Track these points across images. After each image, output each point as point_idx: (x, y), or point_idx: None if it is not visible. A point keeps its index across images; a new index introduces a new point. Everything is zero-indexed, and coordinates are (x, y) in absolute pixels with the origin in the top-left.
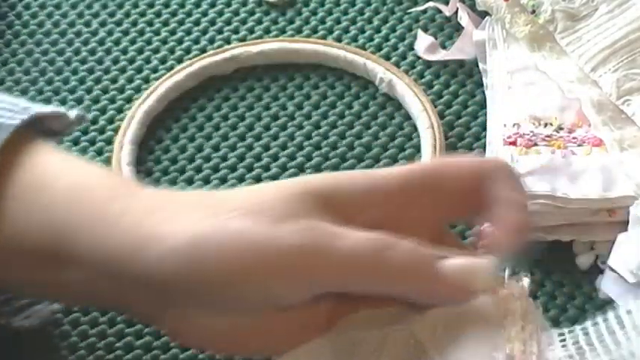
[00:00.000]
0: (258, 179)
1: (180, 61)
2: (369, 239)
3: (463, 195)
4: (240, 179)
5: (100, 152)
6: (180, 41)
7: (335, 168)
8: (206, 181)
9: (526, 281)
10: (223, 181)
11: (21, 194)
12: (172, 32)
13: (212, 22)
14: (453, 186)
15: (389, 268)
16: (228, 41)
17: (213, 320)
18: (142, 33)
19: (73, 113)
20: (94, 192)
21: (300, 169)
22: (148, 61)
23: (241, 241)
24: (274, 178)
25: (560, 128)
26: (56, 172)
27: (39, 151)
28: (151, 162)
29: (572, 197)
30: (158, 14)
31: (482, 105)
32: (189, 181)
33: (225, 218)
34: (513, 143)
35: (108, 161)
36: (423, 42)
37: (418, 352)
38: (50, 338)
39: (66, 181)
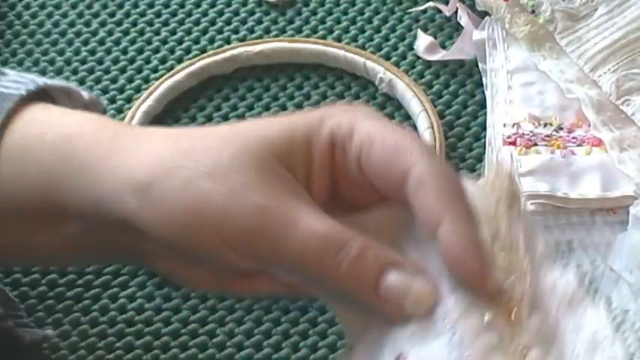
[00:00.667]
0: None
1: (180, 61)
2: (321, 236)
3: (380, 175)
4: None
5: None
6: (180, 41)
7: None
8: None
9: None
10: None
11: (12, 154)
12: (172, 32)
13: (212, 22)
14: (369, 159)
15: (333, 273)
16: (228, 41)
17: (191, 267)
18: (142, 33)
19: (86, 94)
20: (79, 141)
21: None
22: (147, 61)
23: (198, 203)
24: None
25: (559, 128)
26: (45, 127)
27: (34, 111)
28: None
29: (572, 197)
30: (158, 14)
31: (482, 105)
32: None
33: (190, 173)
34: (513, 143)
35: None
36: (422, 42)
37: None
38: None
39: (53, 134)
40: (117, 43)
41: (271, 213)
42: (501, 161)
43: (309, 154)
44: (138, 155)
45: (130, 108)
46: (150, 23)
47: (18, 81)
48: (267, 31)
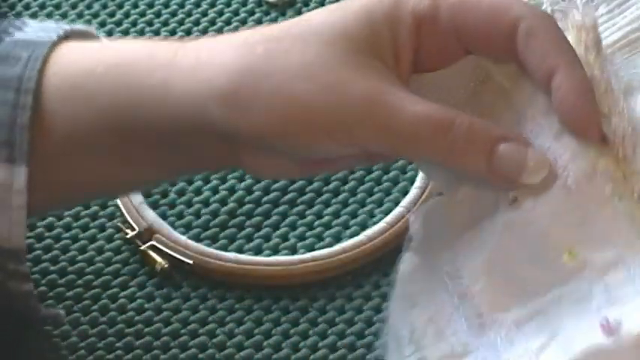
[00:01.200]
0: (257, 179)
1: None
2: (429, 119)
3: (484, 36)
4: (240, 179)
5: None
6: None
7: None
8: (206, 180)
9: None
10: (223, 180)
11: (62, 94)
12: (172, 32)
13: (212, 22)
14: (470, 23)
15: (445, 153)
16: None
17: (278, 161)
18: (142, 33)
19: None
20: (137, 67)
21: None
22: None
23: (296, 105)
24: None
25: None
26: (90, 62)
27: (68, 52)
28: None
29: None
30: (158, 14)
31: None
32: (189, 181)
33: (278, 78)
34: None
35: None
36: None
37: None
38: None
39: (103, 66)
40: None
41: (375, 102)
42: (583, 14)
43: (394, 37)
44: (211, 67)
45: None
46: (150, 23)
47: (44, 29)
48: None
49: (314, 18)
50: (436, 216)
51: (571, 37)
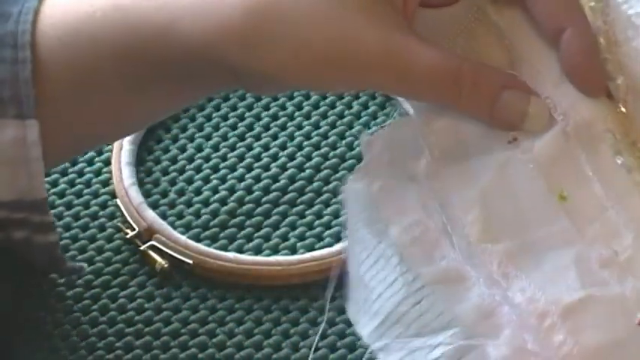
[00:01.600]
0: (257, 179)
1: None
2: (440, 62)
3: None
4: (240, 179)
5: (99, 152)
6: None
7: (334, 168)
8: (206, 180)
9: None
10: (223, 180)
11: (67, 40)
12: None
13: None
14: None
15: (454, 99)
16: None
17: (279, 86)
18: None
19: None
20: (139, 8)
21: (300, 169)
22: None
23: (317, 48)
24: (274, 177)
25: None
26: (85, 6)
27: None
28: (150, 162)
29: None
30: None
31: None
32: (189, 181)
33: (295, 20)
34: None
35: (108, 161)
36: None
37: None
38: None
39: (102, 11)
40: None
41: (391, 51)
42: None
43: None
44: (221, 6)
45: None
46: None
47: None
48: None
49: None
50: (404, 138)
51: None
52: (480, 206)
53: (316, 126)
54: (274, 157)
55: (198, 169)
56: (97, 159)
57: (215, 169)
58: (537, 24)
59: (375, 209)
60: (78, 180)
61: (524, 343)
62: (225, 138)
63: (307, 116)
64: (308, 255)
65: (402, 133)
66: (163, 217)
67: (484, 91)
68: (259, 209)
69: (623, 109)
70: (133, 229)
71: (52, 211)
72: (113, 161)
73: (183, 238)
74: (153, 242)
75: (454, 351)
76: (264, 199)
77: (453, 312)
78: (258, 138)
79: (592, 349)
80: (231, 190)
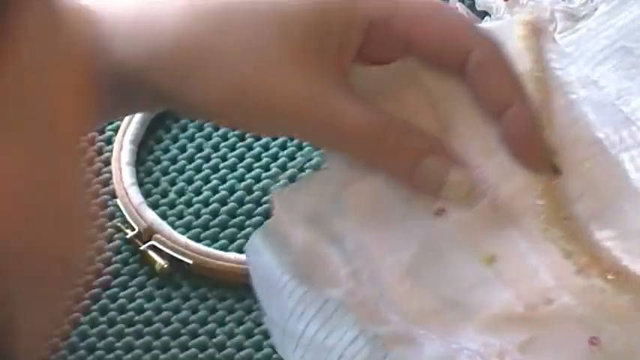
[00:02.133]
0: (257, 179)
1: None
2: (364, 125)
3: (434, 55)
4: (240, 179)
5: (99, 152)
6: None
7: None
8: (206, 180)
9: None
10: (223, 181)
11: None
12: None
13: None
14: (421, 41)
15: (374, 158)
16: None
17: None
18: None
19: None
20: (76, 19)
21: (300, 169)
22: None
23: (248, 88)
24: (274, 177)
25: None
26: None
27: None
28: (150, 162)
29: None
30: None
31: None
32: (189, 181)
33: (232, 56)
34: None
35: (108, 161)
36: None
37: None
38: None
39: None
40: None
41: (319, 104)
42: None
43: (344, 35)
44: (156, 28)
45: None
46: None
47: None
48: None
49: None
50: (322, 195)
51: (518, 33)
52: (411, 278)
53: None
54: (274, 157)
55: (198, 169)
56: (97, 159)
57: (215, 169)
58: (477, 97)
59: (303, 271)
60: None
61: None
62: (225, 138)
63: None
64: None
65: (320, 189)
66: (163, 217)
67: (405, 155)
68: (259, 209)
69: (553, 182)
70: (133, 229)
71: None
72: (113, 161)
73: (183, 238)
74: (153, 242)
75: None
76: (263, 199)
77: None
78: (258, 138)
79: None
80: (231, 190)
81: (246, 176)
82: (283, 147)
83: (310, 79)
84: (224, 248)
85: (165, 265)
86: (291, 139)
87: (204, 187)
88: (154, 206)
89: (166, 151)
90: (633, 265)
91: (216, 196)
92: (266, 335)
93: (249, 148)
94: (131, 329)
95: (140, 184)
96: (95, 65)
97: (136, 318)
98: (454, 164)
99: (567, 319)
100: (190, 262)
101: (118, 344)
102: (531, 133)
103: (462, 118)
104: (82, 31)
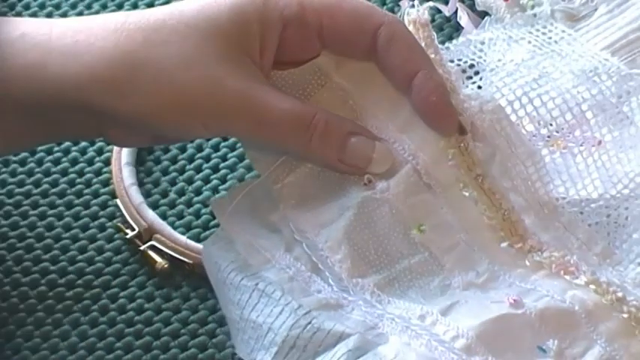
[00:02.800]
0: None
1: None
2: (292, 115)
3: (347, 39)
4: (240, 179)
5: (99, 152)
6: None
7: None
8: (206, 181)
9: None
10: (223, 181)
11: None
12: None
13: None
14: (334, 27)
15: (304, 146)
16: None
17: (140, 138)
18: None
19: None
20: (7, 47)
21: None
22: None
23: (175, 94)
24: None
25: (560, 128)
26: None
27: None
28: (150, 162)
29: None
30: None
31: None
32: (189, 181)
33: (159, 66)
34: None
35: (108, 161)
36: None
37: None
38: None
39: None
40: None
41: (248, 98)
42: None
43: (262, 35)
44: (91, 52)
45: None
46: None
47: None
48: None
49: (187, 10)
50: (255, 197)
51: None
52: (346, 245)
53: None
54: None
55: (198, 169)
56: (97, 159)
57: (215, 169)
58: (388, 75)
59: (243, 262)
60: (78, 180)
61: (408, 343)
62: (225, 138)
63: None
64: None
65: (253, 193)
66: (163, 217)
67: (333, 138)
68: None
69: (463, 145)
70: (133, 229)
71: (52, 211)
72: (113, 161)
73: (183, 238)
74: (153, 242)
75: (352, 354)
76: None
77: (341, 328)
78: None
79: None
80: None
81: (246, 176)
82: None
83: (238, 78)
84: None
85: (166, 265)
86: None
87: (204, 187)
88: (154, 206)
89: (166, 151)
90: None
91: (216, 196)
92: None
93: None
94: (131, 329)
95: (140, 184)
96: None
97: (136, 318)
98: (377, 141)
99: (490, 288)
100: (190, 262)
101: (119, 344)
102: (439, 93)
103: (375, 102)
104: (17, 60)
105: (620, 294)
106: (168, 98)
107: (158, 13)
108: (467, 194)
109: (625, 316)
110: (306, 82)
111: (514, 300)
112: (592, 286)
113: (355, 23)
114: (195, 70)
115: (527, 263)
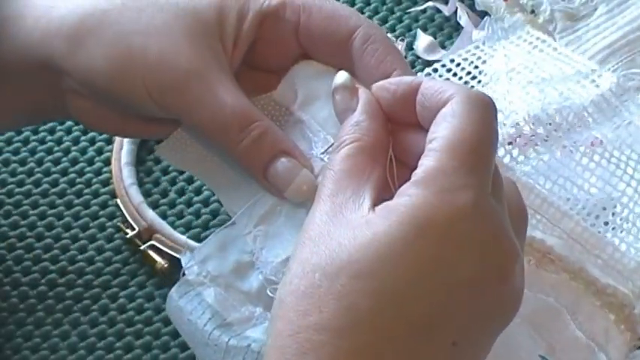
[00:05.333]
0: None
1: None
2: (231, 111)
3: (323, 39)
4: None
5: (99, 152)
6: None
7: None
8: None
9: None
10: None
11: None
12: None
13: None
14: (311, 26)
15: (232, 147)
16: None
17: (103, 112)
18: None
19: None
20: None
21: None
22: None
23: (129, 55)
24: None
25: (559, 128)
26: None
27: None
28: (150, 162)
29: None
30: None
31: None
32: (189, 181)
33: (124, 28)
34: (511, 144)
35: (108, 161)
36: (422, 42)
37: (283, 114)
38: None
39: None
40: None
41: (193, 77)
42: None
43: (238, 27)
44: (66, 6)
45: None
46: None
47: None
48: None
49: None
50: (224, 247)
51: None
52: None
53: None
54: None
55: None
56: (97, 159)
57: None
58: (363, 76)
59: (222, 321)
60: (78, 180)
61: None
62: None
63: None
64: None
65: (220, 244)
66: (163, 216)
67: (263, 151)
68: None
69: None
70: (133, 229)
71: (52, 211)
72: (113, 161)
73: (183, 237)
74: (153, 242)
75: None
76: None
77: None
78: None
79: None
80: None
81: None
82: None
83: (198, 57)
84: None
85: (166, 265)
86: None
87: (204, 187)
88: (154, 206)
89: None
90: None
91: (216, 196)
92: None
93: None
94: (131, 329)
95: (140, 183)
96: None
97: (136, 318)
98: (305, 169)
99: None
100: None
101: (119, 344)
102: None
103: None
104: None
105: (601, 283)
106: (121, 60)
107: None
108: None
109: (598, 303)
110: (273, 110)
111: None
112: (572, 278)
113: (332, 23)
114: (154, 39)
115: None
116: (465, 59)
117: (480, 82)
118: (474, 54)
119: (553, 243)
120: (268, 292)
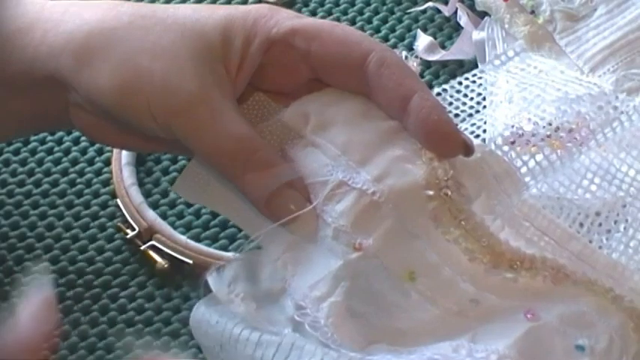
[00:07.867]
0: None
1: None
2: (235, 140)
3: (336, 65)
4: None
5: (100, 152)
6: None
7: None
8: None
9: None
10: None
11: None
12: None
13: None
14: (323, 52)
15: (236, 176)
16: None
17: (109, 128)
18: None
19: None
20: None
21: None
22: None
23: (135, 75)
24: None
25: (559, 128)
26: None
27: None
28: (150, 162)
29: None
30: None
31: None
32: None
33: (131, 47)
34: (513, 143)
35: (108, 161)
36: (422, 42)
37: (292, 137)
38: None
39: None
40: None
41: (198, 103)
42: None
43: (244, 51)
44: (75, 22)
45: None
46: None
47: None
48: None
49: (182, 10)
50: (255, 267)
51: None
52: (348, 318)
53: None
54: None
55: None
56: (97, 159)
57: None
58: (380, 101)
59: (249, 322)
60: (78, 180)
61: None
62: None
63: None
64: None
65: (249, 268)
66: (164, 216)
67: (266, 183)
68: None
69: (444, 192)
70: (133, 229)
71: (52, 211)
72: (113, 161)
73: (183, 238)
74: (153, 242)
75: None
76: None
77: None
78: None
79: None
80: None
81: None
82: None
83: (202, 81)
84: (224, 248)
85: (166, 265)
86: None
87: None
88: (154, 206)
89: None
90: (530, 250)
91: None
92: None
93: None
94: (131, 329)
95: (140, 184)
96: None
97: (137, 318)
98: (308, 203)
99: (496, 310)
100: (190, 262)
101: (119, 344)
102: (439, 112)
103: (351, 151)
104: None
105: (617, 292)
106: (124, 79)
107: (154, 5)
108: (450, 237)
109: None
110: (282, 133)
111: (532, 314)
112: (589, 288)
113: (344, 49)
114: (161, 60)
115: (520, 279)
116: (474, 82)
117: (490, 101)
118: (481, 77)
119: (564, 262)
120: (296, 316)
